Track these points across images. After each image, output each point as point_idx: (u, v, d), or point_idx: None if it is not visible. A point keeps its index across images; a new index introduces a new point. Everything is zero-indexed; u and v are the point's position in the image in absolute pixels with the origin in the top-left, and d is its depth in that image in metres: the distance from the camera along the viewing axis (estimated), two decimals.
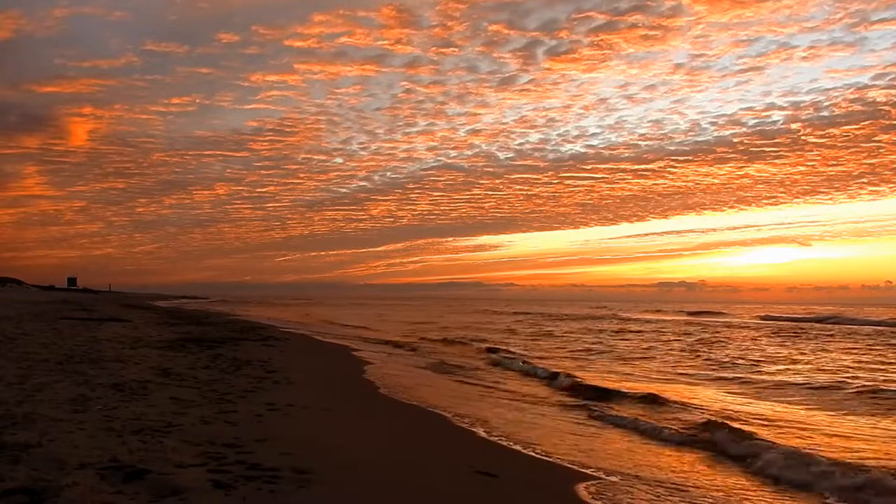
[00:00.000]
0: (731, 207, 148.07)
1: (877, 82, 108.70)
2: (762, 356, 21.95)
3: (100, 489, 4.68)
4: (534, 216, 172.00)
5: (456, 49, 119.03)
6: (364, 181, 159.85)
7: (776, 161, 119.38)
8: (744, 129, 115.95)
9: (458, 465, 6.76)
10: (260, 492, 4.89)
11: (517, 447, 8.00)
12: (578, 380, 14.60)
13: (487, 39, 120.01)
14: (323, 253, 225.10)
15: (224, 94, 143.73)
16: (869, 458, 8.07)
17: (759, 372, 17.49)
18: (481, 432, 8.72)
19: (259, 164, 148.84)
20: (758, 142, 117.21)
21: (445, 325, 40.85)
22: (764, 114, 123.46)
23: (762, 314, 62.97)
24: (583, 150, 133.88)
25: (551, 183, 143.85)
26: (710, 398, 12.94)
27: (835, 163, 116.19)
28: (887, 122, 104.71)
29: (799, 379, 16.05)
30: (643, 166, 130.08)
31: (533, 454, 7.69)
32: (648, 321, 48.71)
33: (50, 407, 7.38)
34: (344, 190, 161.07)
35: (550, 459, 7.48)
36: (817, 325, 45.69)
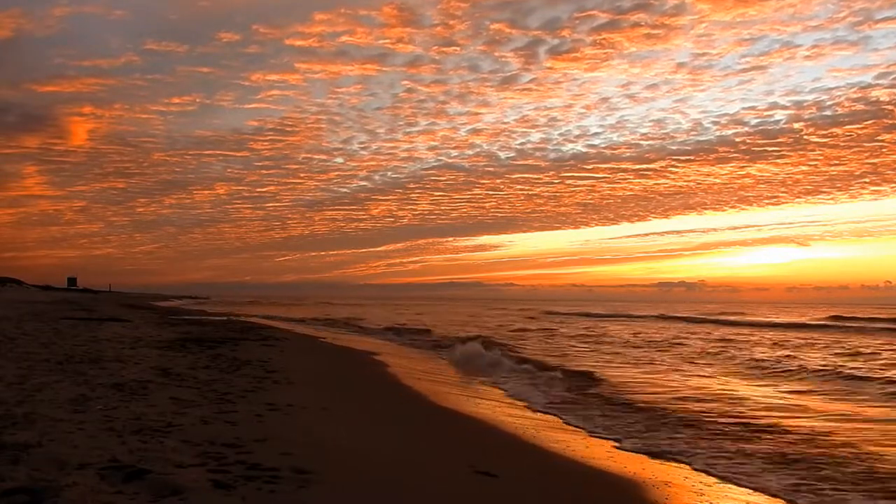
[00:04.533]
0: (733, 207, 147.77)
1: (880, 81, 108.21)
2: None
3: (100, 489, 4.68)
4: (534, 216, 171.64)
5: (457, 48, 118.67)
6: (365, 181, 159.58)
7: (778, 161, 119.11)
8: (746, 129, 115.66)
9: (458, 464, 6.76)
10: (260, 492, 4.89)
11: (519, 445, 8.01)
12: None
13: (489, 38, 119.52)
14: (323, 253, 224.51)
15: (224, 93, 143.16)
16: None
17: None
18: (482, 429, 8.73)
19: (259, 163, 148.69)
20: (760, 141, 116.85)
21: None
22: (766, 113, 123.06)
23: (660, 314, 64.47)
24: (584, 149, 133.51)
25: (552, 183, 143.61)
26: None
27: (837, 162, 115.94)
28: (890, 122, 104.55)
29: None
30: (645, 166, 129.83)
31: (537, 451, 7.70)
32: None
33: (50, 407, 7.38)
34: (344, 190, 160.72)
35: (554, 456, 7.49)
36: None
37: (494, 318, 50.43)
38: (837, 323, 43.77)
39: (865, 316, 52.03)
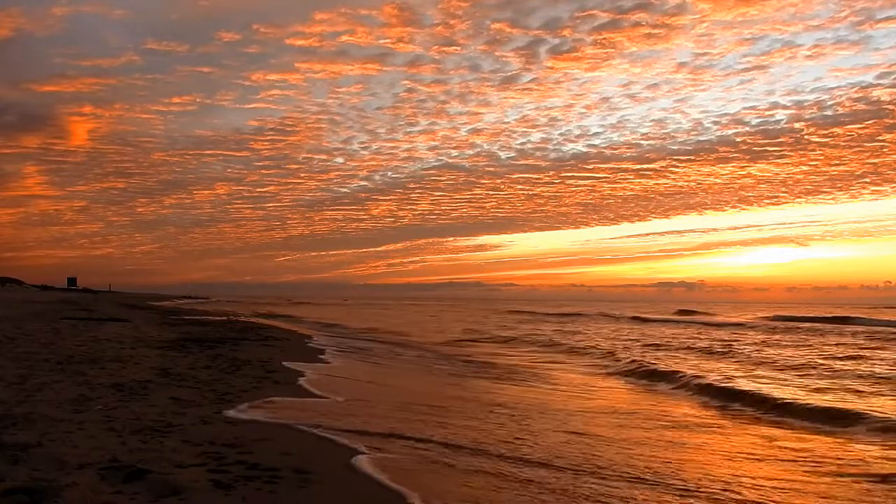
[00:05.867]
0: (733, 207, 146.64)
1: (881, 81, 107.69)
2: None
3: (100, 489, 4.68)
4: (535, 216, 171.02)
5: (458, 48, 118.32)
6: (365, 181, 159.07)
7: (779, 161, 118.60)
8: (747, 129, 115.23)
9: None
10: (260, 492, 4.90)
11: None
12: None
13: (490, 38, 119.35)
14: (323, 253, 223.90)
15: (225, 93, 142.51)
16: None
17: None
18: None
19: (260, 163, 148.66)
20: (760, 141, 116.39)
21: None
22: (767, 113, 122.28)
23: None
24: (585, 149, 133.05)
25: (553, 183, 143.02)
26: None
27: (838, 162, 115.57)
28: (891, 122, 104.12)
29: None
30: (645, 166, 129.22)
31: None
32: None
33: (50, 407, 7.39)
34: (345, 190, 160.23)
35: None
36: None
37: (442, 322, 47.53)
38: (767, 322, 45.16)
39: (807, 315, 53.11)
